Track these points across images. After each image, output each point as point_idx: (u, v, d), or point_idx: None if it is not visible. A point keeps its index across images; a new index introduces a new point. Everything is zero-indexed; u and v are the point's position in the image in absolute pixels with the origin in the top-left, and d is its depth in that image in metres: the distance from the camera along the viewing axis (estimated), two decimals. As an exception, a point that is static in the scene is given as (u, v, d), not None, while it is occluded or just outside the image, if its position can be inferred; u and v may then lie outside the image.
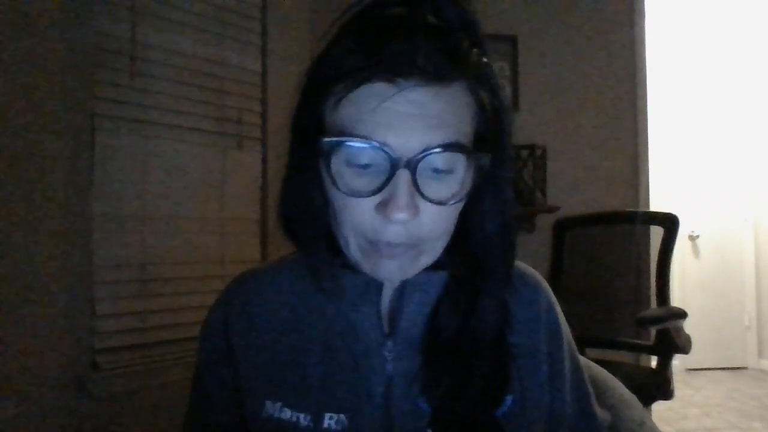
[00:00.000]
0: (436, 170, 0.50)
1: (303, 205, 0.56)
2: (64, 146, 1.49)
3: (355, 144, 0.48)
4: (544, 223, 2.35)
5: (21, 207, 1.41)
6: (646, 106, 2.72)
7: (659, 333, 1.89)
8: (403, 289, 0.58)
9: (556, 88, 2.63)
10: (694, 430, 3.12)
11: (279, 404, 0.58)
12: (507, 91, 2.53)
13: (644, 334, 1.98)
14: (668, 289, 1.96)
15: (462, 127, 0.50)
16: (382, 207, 0.49)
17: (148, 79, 1.68)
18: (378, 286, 0.58)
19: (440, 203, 0.50)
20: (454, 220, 0.54)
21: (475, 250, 0.57)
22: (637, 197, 2.67)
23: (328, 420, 0.56)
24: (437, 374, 0.56)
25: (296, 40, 2.04)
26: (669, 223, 1.97)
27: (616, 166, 2.66)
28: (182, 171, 1.76)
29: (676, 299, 3.68)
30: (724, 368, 4.36)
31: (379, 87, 0.48)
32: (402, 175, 0.48)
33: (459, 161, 0.50)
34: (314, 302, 0.60)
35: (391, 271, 0.53)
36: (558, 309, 0.65)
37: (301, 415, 0.57)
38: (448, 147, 0.48)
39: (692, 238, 4.48)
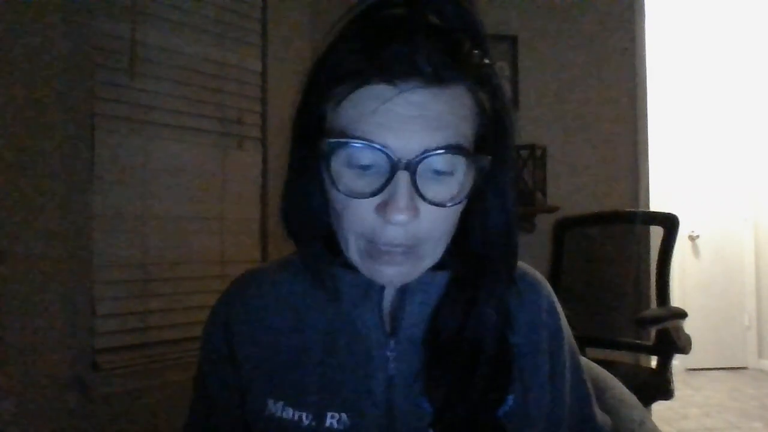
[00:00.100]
0: (436, 172, 0.50)
1: (304, 206, 0.56)
2: (64, 146, 1.49)
3: (355, 145, 0.48)
4: (544, 223, 2.35)
5: (21, 207, 1.41)
6: (646, 106, 2.72)
7: (659, 333, 1.89)
8: (405, 289, 0.58)
9: (556, 88, 2.63)
10: (694, 430, 3.12)
11: (281, 403, 0.58)
12: (507, 91, 2.53)
13: (644, 334, 1.98)
14: (668, 289, 1.96)
15: (462, 129, 0.50)
16: (382, 208, 0.49)
17: (148, 79, 1.68)
18: (380, 285, 0.58)
19: (440, 205, 0.50)
20: (454, 222, 0.54)
21: (476, 250, 0.57)
22: (637, 197, 2.67)
23: (330, 419, 0.56)
24: (439, 374, 0.56)
25: (296, 40, 2.04)
26: (669, 223, 1.97)
27: (616, 167, 2.66)
28: (182, 171, 1.76)
29: (676, 299, 3.68)
30: (724, 368, 4.36)
31: (379, 89, 0.48)
32: (402, 176, 0.48)
33: (459, 163, 0.50)
34: (316, 302, 0.60)
35: (391, 277, 0.53)
36: (559, 309, 0.65)
37: (303, 414, 0.57)
38: (447, 149, 0.48)
39: (692, 238, 4.48)
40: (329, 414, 0.56)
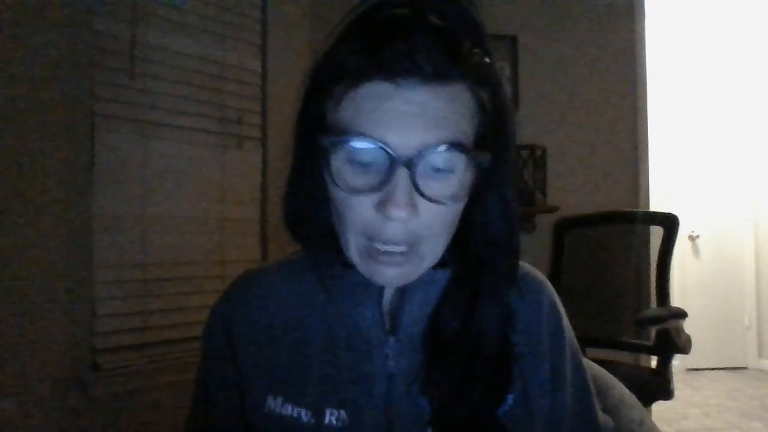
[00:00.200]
0: (435, 169, 0.50)
1: (306, 204, 0.57)
2: (64, 146, 1.49)
3: (355, 142, 0.49)
4: (544, 223, 2.35)
5: (21, 207, 1.41)
6: (646, 106, 2.72)
7: (659, 333, 1.88)
8: (405, 288, 0.58)
9: (556, 88, 2.63)
10: (694, 430, 3.12)
11: (280, 400, 0.58)
12: (508, 91, 2.52)
13: (644, 334, 1.98)
14: (668, 289, 1.96)
15: (462, 127, 0.50)
16: (382, 205, 0.49)
17: (148, 79, 1.69)
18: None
19: (439, 202, 0.50)
20: (454, 220, 0.54)
21: (477, 250, 0.57)
22: (637, 197, 2.67)
23: (329, 416, 0.56)
24: (438, 373, 0.56)
25: (296, 40, 2.04)
26: (669, 223, 1.97)
27: (616, 166, 2.66)
28: (182, 171, 1.76)
29: (676, 299, 3.68)
30: (724, 368, 4.36)
31: (379, 86, 0.48)
32: (401, 173, 0.48)
33: (458, 160, 0.50)
34: (316, 300, 0.61)
35: (390, 278, 0.53)
36: (561, 310, 0.65)
37: (303, 411, 0.57)
38: (447, 146, 0.48)
39: (692, 238, 4.48)
40: (328, 411, 0.56)
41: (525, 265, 0.64)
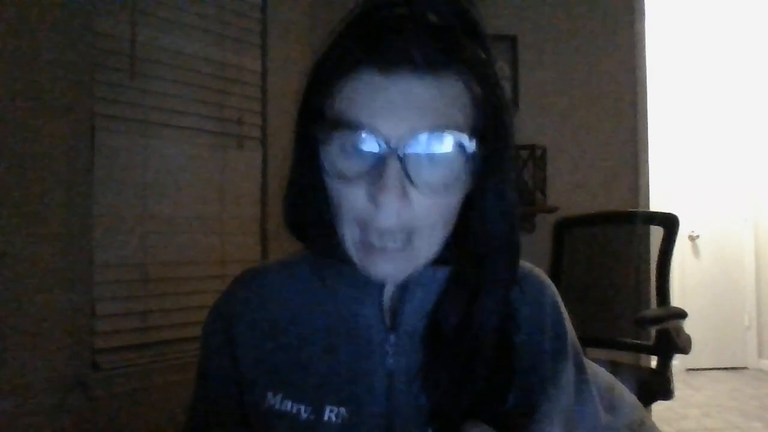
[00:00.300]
0: (427, 158, 0.50)
1: (306, 201, 0.57)
2: (64, 146, 1.49)
3: (346, 131, 0.50)
4: (544, 223, 2.35)
5: (21, 207, 1.41)
6: (646, 106, 2.72)
7: (659, 333, 1.88)
8: (405, 285, 0.58)
9: (556, 88, 2.63)
10: (694, 430, 3.12)
11: (280, 396, 0.58)
12: (507, 91, 2.53)
13: (644, 334, 1.97)
14: (668, 289, 1.96)
15: (455, 117, 0.51)
16: (374, 194, 0.49)
17: (148, 79, 1.69)
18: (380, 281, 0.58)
19: (430, 189, 0.50)
20: (450, 213, 0.54)
21: (476, 247, 0.57)
22: (637, 197, 2.67)
23: (329, 413, 0.56)
24: (438, 371, 0.56)
25: (296, 40, 2.04)
26: (669, 223, 1.97)
27: (616, 166, 2.66)
28: (182, 171, 1.76)
29: (676, 299, 3.67)
30: (724, 368, 4.36)
31: (371, 76, 0.49)
32: (392, 160, 0.48)
33: (450, 148, 0.50)
34: (317, 297, 0.61)
35: (385, 272, 0.53)
36: (563, 309, 0.65)
37: (302, 407, 0.57)
38: (437, 133, 0.49)
39: (692, 238, 4.48)
40: (328, 408, 0.57)
41: (527, 265, 0.64)
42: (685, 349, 1.86)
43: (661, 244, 1.97)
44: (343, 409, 0.56)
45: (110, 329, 1.59)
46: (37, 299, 1.43)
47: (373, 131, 0.48)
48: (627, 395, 0.77)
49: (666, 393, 1.83)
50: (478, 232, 0.57)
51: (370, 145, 0.49)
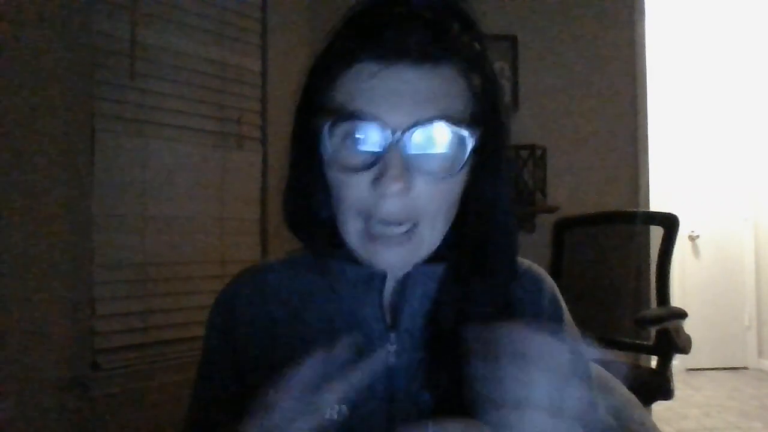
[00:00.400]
0: (428, 144, 0.51)
1: (306, 198, 0.58)
2: (64, 146, 1.49)
3: (348, 120, 0.50)
4: (544, 223, 2.35)
5: (21, 207, 1.41)
6: (646, 106, 2.72)
7: (659, 333, 1.88)
8: (405, 282, 0.58)
9: (556, 88, 2.63)
10: (694, 430, 3.12)
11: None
12: (507, 91, 2.53)
13: (644, 334, 1.98)
14: (668, 289, 1.96)
15: (453, 105, 0.52)
16: (376, 181, 0.50)
17: (148, 79, 1.69)
18: (381, 278, 0.58)
19: (431, 176, 0.51)
20: (451, 200, 0.54)
21: (474, 241, 0.58)
22: (637, 197, 2.66)
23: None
24: (438, 367, 0.56)
25: (296, 40, 2.04)
26: (669, 223, 1.97)
27: (616, 166, 2.66)
28: (182, 171, 1.76)
29: (676, 299, 3.67)
30: (724, 368, 4.36)
31: (370, 66, 0.50)
32: (393, 148, 0.49)
33: (449, 135, 0.51)
34: (317, 296, 0.61)
35: (389, 261, 0.54)
36: (563, 305, 0.65)
37: None
38: (438, 120, 0.50)
39: (692, 238, 4.48)
40: None
41: (525, 261, 0.65)
42: (685, 349, 1.86)
43: (661, 244, 1.97)
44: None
45: (110, 329, 1.59)
46: (37, 299, 1.43)
47: (375, 120, 0.49)
48: (627, 395, 0.77)
49: (666, 393, 1.83)
50: (475, 223, 0.57)
51: (371, 134, 0.50)
